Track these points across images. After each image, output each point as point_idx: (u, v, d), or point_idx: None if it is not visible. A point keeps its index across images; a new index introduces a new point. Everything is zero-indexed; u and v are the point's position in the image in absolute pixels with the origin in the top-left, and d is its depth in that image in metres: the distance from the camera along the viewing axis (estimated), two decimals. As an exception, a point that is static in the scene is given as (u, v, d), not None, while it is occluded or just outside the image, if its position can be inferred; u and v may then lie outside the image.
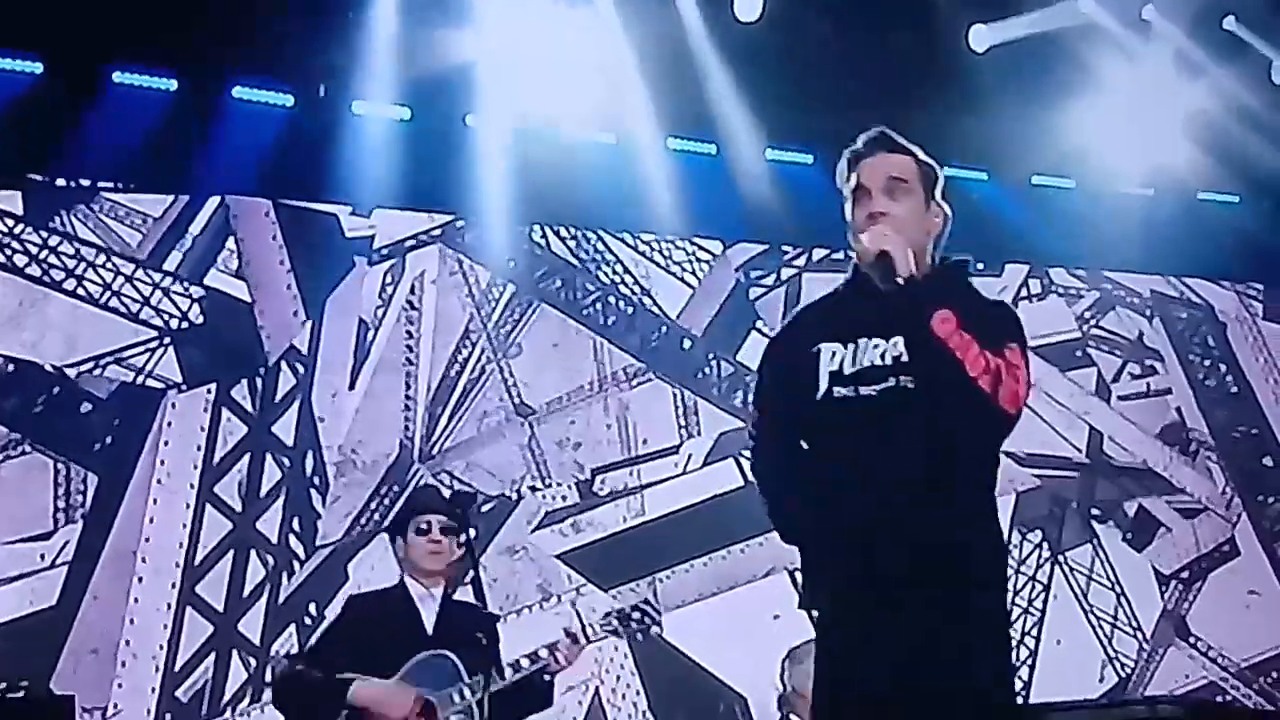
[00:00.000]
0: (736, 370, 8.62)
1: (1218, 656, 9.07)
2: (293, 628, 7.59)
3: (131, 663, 7.33)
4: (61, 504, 7.43)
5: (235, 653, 7.53)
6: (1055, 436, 8.99)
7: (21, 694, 6.80)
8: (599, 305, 8.52)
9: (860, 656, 3.49)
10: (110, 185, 7.76)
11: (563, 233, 8.51)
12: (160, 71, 7.52)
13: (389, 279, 8.19)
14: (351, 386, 8.01)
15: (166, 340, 7.73)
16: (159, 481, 7.55)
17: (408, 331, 8.19)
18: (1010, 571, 3.75)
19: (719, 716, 8.06)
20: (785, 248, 8.86)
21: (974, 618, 3.48)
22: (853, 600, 3.53)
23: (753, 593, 8.20)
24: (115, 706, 7.25)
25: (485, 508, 7.94)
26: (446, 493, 5.74)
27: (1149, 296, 9.56)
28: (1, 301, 7.49)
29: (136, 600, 7.40)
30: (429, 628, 5.48)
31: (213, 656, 7.50)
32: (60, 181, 7.73)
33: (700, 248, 8.73)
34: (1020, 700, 3.70)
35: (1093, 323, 9.43)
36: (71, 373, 7.54)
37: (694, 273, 8.72)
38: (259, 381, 7.83)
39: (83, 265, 7.67)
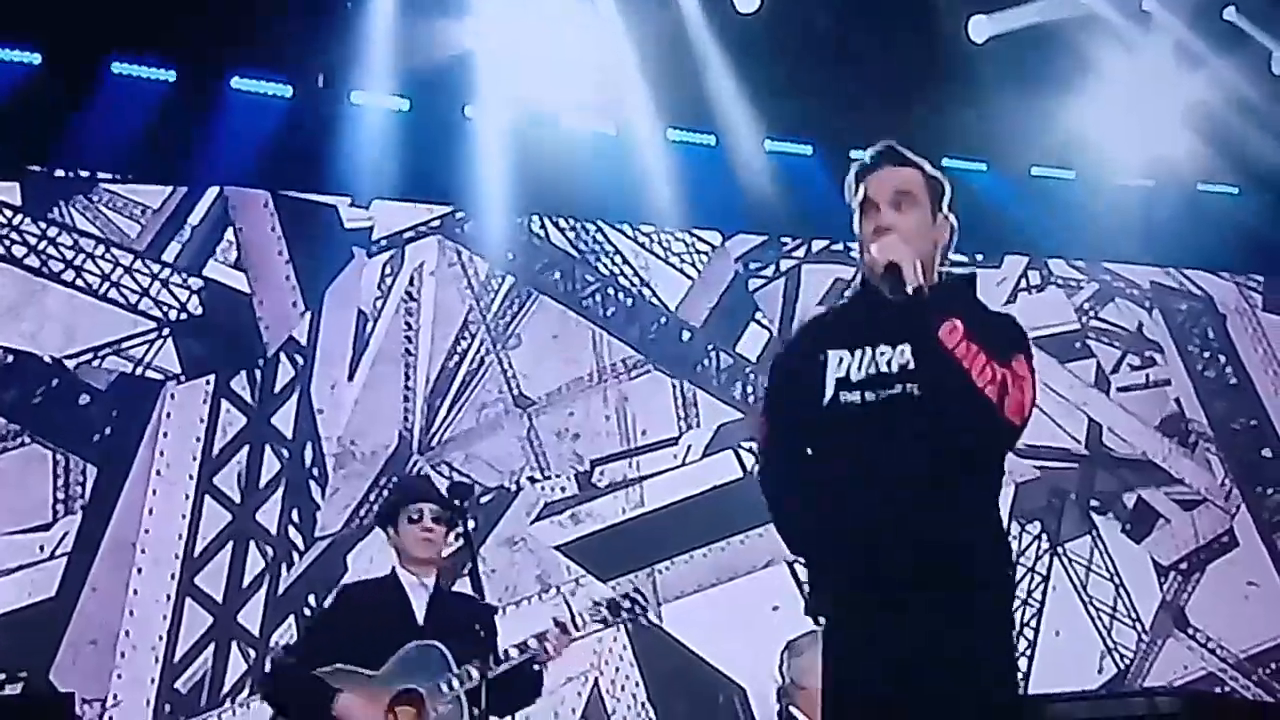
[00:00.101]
0: (736, 362, 8.62)
1: (1216, 647, 9.08)
2: (292, 619, 7.58)
3: (131, 654, 7.33)
4: (60, 495, 7.43)
5: (235, 644, 7.54)
6: (1054, 428, 8.99)
7: (20, 686, 6.79)
8: (598, 296, 8.52)
9: (865, 659, 3.52)
10: (109, 176, 7.76)
11: (562, 224, 8.51)
12: (159, 62, 7.52)
13: (388, 270, 8.19)
14: (350, 378, 8.01)
15: (165, 331, 7.73)
16: (158, 473, 7.55)
17: (407, 323, 8.19)
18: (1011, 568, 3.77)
19: (718, 707, 8.06)
20: (784, 239, 8.86)
21: (977, 620, 3.50)
22: (856, 603, 3.56)
23: (752, 584, 8.21)
24: (115, 697, 7.25)
25: (484, 499, 7.94)
26: (445, 484, 5.71)
27: (1148, 288, 9.56)
28: (0, 292, 7.48)
29: (136, 591, 7.40)
30: (420, 617, 5.47)
31: (212, 647, 7.50)
32: (59, 172, 7.72)
33: (699, 239, 8.73)
34: (1019, 692, 3.73)
35: (1092, 314, 9.43)
36: (70, 364, 7.54)
37: (693, 264, 8.71)
38: (258, 373, 7.82)
39: (81, 256, 7.67)
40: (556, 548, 8.11)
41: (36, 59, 7.31)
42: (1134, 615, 9.00)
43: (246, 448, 7.75)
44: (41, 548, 7.34)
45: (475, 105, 7.95)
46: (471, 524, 5.61)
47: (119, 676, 7.29)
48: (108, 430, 7.56)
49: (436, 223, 8.28)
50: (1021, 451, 8.69)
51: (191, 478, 7.61)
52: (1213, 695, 8.51)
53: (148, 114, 7.50)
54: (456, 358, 8.24)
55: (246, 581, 7.63)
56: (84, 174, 7.73)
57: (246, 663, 7.50)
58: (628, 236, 8.61)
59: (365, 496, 7.82)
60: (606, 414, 8.37)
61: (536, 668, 5.49)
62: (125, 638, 7.34)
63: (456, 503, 5.45)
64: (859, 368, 3.62)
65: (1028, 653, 8.66)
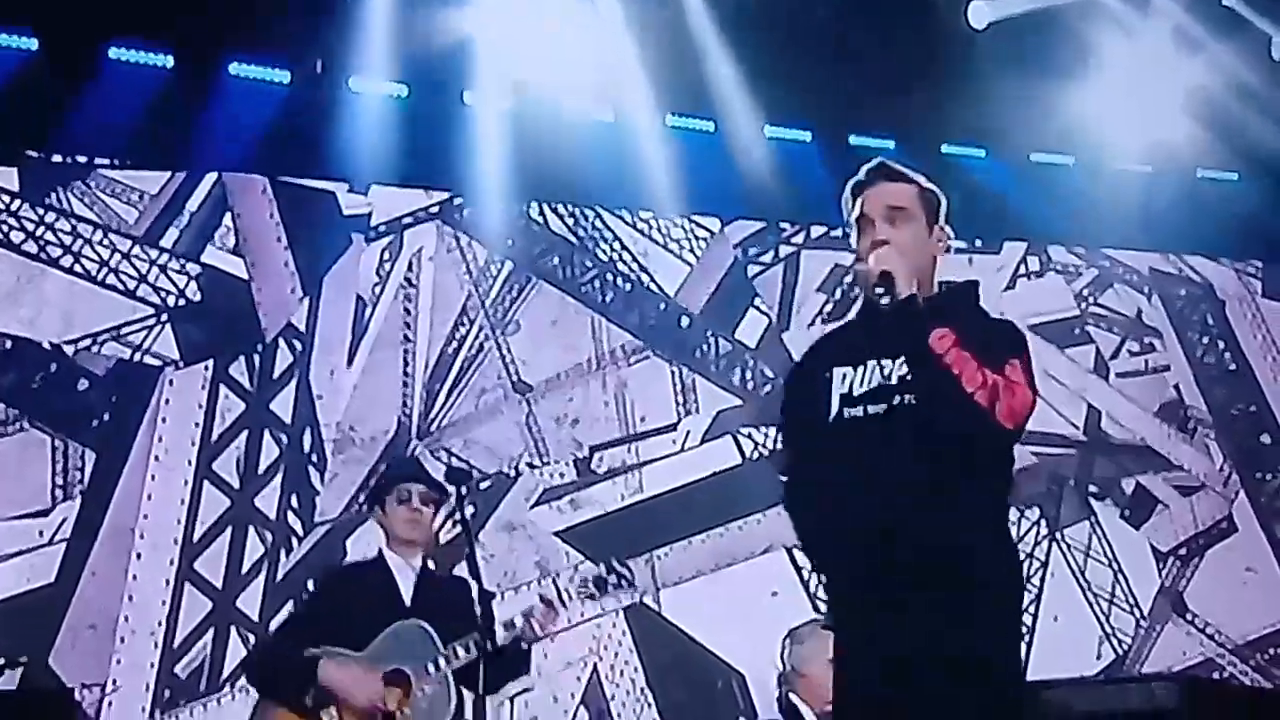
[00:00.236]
0: (734, 348, 8.61)
1: (1215, 633, 9.08)
2: (291, 604, 7.58)
3: (130, 639, 7.34)
4: (59, 481, 7.44)
5: (234, 629, 7.54)
6: (1053, 414, 8.98)
7: (19, 671, 6.80)
8: (597, 283, 8.51)
9: (870, 660, 3.59)
10: (107, 162, 7.75)
11: (561, 210, 8.50)
12: (156, 48, 7.50)
13: (387, 256, 8.18)
14: (349, 363, 8.00)
15: (164, 317, 7.73)
16: (157, 458, 7.55)
17: (405, 309, 8.18)
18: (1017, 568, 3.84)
19: (717, 693, 8.07)
20: (783, 225, 8.85)
21: (979, 620, 3.55)
22: (860, 604, 3.64)
23: (751, 570, 8.21)
24: (114, 683, 7.26)
25: (483, 485, 7.95)
26: (443, 469, 5.71)
27: (1148, 274, 9.55)
28: (-2, 278, 7.50)
29: (135, 577, 7.41)
30: (406, 598, 5.47)
31: (211, 633, 7.50)
32: (56, 158, 7.72)
33: (698, 225, 8.72)
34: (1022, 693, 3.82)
35: (1091, 300, 9.42)
36: (69, 350, 7.54)
37: (692, 250, 8.70)
38: (257, 358, 7.82)
39: (79, 242, 7.67)
40: (555, 533, 8.12)
41: (34, 44, 7.30)
42: (1132, 601, 9.01)
43: (245, 433, 7.75)
44: (41, 533, 7.35)
45: (474, 91, 7.93)
46: (470, 510, 5.60)
47: (118, 662, 7.30)
48: (106, 416, 7.57)
49: (435, 208, 8.27)
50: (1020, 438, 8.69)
51: (190, 463, 7.61)
52: (1211, 681, 8.52)
53: (146, 100, 7.49)
54: (455, 343, 8.24)
55: (246, 567, 7.64)
56: (82, 160, 7.72)
57: (246, 648, 7.51)
58: (626, 222, 8.60)
59: (364, 482, 7.82)
60: (605, 400, 8.37)
61: (524, 646, 5.46)
62: (124, 623, 7.34)
63: (453, 488, 5.44)
64: (861, 382, 3.71)
65: (1026, 639, 8.67)
